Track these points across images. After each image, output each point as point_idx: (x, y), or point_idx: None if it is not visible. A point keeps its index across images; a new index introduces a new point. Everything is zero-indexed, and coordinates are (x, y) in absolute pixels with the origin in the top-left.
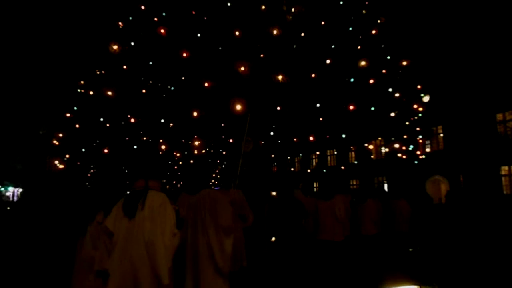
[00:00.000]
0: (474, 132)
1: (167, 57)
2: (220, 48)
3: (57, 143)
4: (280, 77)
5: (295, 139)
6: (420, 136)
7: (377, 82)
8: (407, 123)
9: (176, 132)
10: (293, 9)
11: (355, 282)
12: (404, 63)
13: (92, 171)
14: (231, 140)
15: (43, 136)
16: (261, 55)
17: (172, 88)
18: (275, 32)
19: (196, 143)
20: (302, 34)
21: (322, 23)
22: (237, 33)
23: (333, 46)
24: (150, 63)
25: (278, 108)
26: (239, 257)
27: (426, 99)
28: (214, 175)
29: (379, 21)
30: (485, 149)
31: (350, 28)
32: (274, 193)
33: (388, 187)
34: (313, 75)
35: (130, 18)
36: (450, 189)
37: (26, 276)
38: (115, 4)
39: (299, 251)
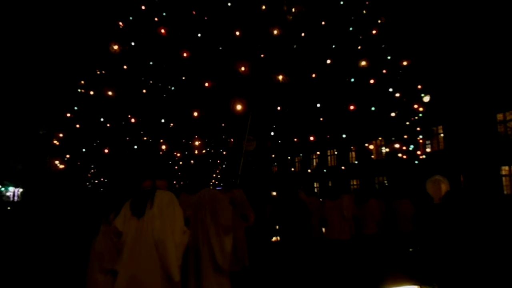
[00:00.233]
0: (474, 132)
1: (167, 57)
2: (220, 48)
3: (57, 143)
4: (280, 77)
5: (295, 139)
6: (420, 136)
7: (377, 82)
8: (407, 123)
9: (176, 132)
10: (293, 9)
11: (356, 282)
12: (404, 63)
13: (92, 171)
14: (231, 140)
15: (43, 136)
16: (262, 55)
17: (172, 88)
18: (275, 32)
19: (196, 143)
20: (303, 34)
21: (323, 23)
22: (237, 33)
23: (333, 46)
24: (151, 63)
25: (279, 108)
26: (241, 256)
27: (426, 99)
28: (214, 175)
29: (379, 21)
30: (485, 149)
31: (351, 28)
32: (274, 193)
33: (391, 187)
34: (313, 75)
35: (130, 18)
36: (449, 189)
37: (40, 274)
38: (115, 4)
39: (303, 250)
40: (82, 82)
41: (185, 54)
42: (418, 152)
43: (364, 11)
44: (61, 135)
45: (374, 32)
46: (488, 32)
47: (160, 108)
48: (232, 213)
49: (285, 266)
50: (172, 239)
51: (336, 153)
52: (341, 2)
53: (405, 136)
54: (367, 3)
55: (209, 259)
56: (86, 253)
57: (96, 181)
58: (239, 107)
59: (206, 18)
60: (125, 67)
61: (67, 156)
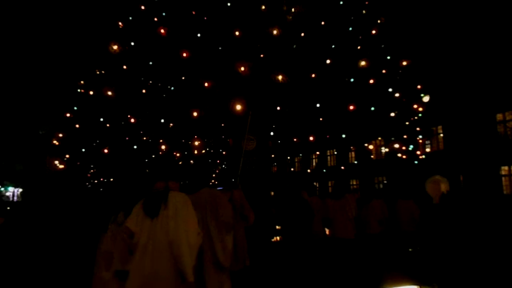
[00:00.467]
0: (474, 132)
1: (167, 57)
2: (220, 48)
3: (57, 143)
4: (280, 77)
5: (295, 139)
6: (420, 136)
7: (377, 82)
8: (407, 123)
9: (176, 132)
10: (293, 9)
11: (356, 282)
12: (404, 63)
13: (92, 171)
14: (231, 140)
15: (43, 136)
16: (261, 55)
17: (172, 88)
18: (275, 32)
19: (196, 143)
20: (302, 34)
21: (322, 23)
22: (237, 33)
23: (333, 46)
24: (150, 63)
25: (278, 108)
26: (242, 256)
27: (426, 99)
28: (214, 175)
29: (379, 21)
30: (485, 149)
31: (350, 28)
32: (276, 193)
33: (394, 187)
34: (313, 75)
35: (130, 18)
36: (449, 189)
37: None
38: (115, 4)
39: (305, 250)
40: (82, 82)
41: (184, 54)
42: (418, 152)
43: (364, 11)
44: (61, 135)
45: (373, 32)
46: (488, 32)
47: (160, 108)
48: (233, 212)
49: (286, 266)
50: (187, 240)
51: (335, 153)
52: (341, 2)
53: (405, 136)
54: (367, 3)
55: (211, 257)
56: (90, 252)
57: (96, 181)
58: (238, 107)
59: (206, 18)
60: (124, 67)
61: (67, 156)
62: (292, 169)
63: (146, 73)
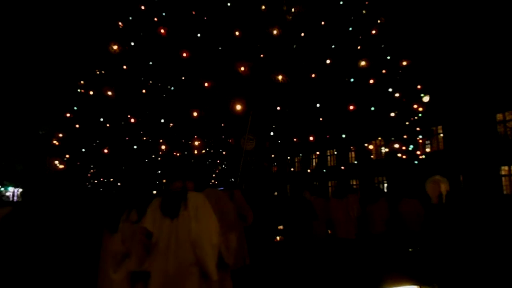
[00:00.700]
0: (474, 132)
1: (167, 57)
2: (220, 48)
3: (57, 143)
4: (280, 77)
5: (295, 139)
6: (420, 136)
7: (377, 82)
8: (407, 123)
9: (176, 132)
10: (293, 9)
11: (356, 282)
12: (404, 63)
13: (92, 171)
14: (231, 140)
15: (43, 136)
16: (261, 55)
17: (172, 88)
18: (275, 32)
19: (196, 143)
20: (302, 34)
21: (322, 23)
22: (237, 33)
23: (333, 46)
24: (150, 63)
25: (278, 108)
26: (242, 255)
27: (426, 99)
28: (214, 175)
29: (379, 21)
30: (485, 149)
31: (350, 28)
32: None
33: (398, 187)
34: (313, 75)
35: (130, 18)
36: (449, 189)
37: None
38: (115, 4)
39: (305, 249)
40: (82, 82)
41: (184, 54)
42: (418, 152)
43: (364, 11)
44: (61, 135)
45: (373, 32)
46: (488, 32)
47: (160, 108)
48: (235, 212)
49: (286, 265)
50: (209, 240)
51: (335, 153)
52: (341, 2)
53: (405, 136)
54: (366, 3)
55: None
56: (91, 252)
57: (96, 181)
58: (238, 107)
59: (205, 18)
60: (124, 67)
61: (67, 156)
62: (292, 169)
63: (146, 73)
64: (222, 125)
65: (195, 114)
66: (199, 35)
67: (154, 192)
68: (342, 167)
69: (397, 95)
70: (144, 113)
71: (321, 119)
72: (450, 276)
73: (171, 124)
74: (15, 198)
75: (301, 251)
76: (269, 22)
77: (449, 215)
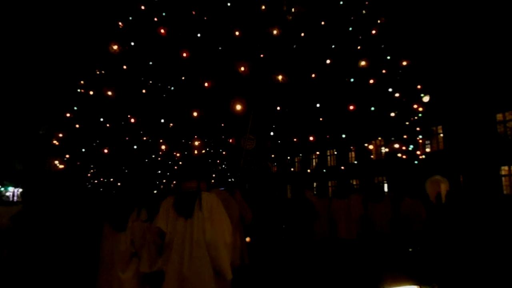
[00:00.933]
0: (474, 132)
1: (167, 57)
2: (220, 48)
3: (57, 143)
4: (280, 77)
5: (295, 139)
6: (420, 136)
7: (377, 82)
8: (407, 123)
9: (176, 132)
10: (293, 9)
11: (356, 282)
12: (404, 63)
13: (92, 171)
14: (231, 140)
15: (43, 136)
16: (261, 55)
17: (172, 88)
18: (275, 32)
19: (196, 143)
20: (302, 34)
21: (322, 23)
22: (237, 33)
23: (333, 46)
24: (150, 63)
25: (278, 108)
26: (241, 254)
27: (426, 99)
28: (213, 175)
29: (379, 21)
30: (485, 149)
31: (350, 28)
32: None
33: (400, 187)
34: (313, 75)
35: (130, 18)
36: (449, 189)
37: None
38: (115, 4)
39: (307, 249)
40: (82, 82)
41: (184, 54)
42: (418, 152)
43: (364, 11)
44: (61, 135)
45: (373, 32)
46: (488, 32)
47: (160, 108)
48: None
49: (286, 264)
50: (223, 240)
51: (335, 153)
52: (341, 2)
53: (405, 136)
54: (366, 3)
55: None
56: (91, 252)
57: (96, 181)
58: (238, 107)
59: (205, 18)
60: (124, 67)
61: (67, 156)
62: (292, 169)
63: (146, 73)
64: (222, 125)
65: (195, 114)
66: (199, 35)
67: (154, 192)
68: (342, 167)
69: (397, 95)
70: (144, 113)
71: (321, 119)
72: (450, 276)
73: (171, 124)
74: (15, 198)
75: (302, 250)
76: (269, 22)
77: (449, 215)
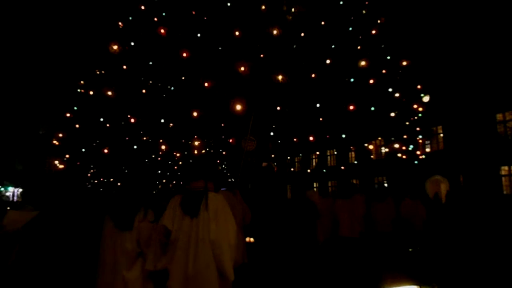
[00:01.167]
0: (474, 132)
1: (167, 57)
2: (220, 48)
3: (57, 143)
4: (280, 77)
5: (295, 139)
6: (420, 136)
7: (377, 82)
8: (407, 123)
9: (176, 132)
10: (293, 9)
11: (356, 282)
12: (404, 63)
13: (92, 171)
14: (231, 140)
15: (43, 136)
16: (261, 55)
17: (172, 88)
18: (275, 32)
19: (196, 143)
20: (302, 34)
21: (322, 23)
22: (237, 33)
23: (333, 46)
24: (150, 63)
25: (278, 108)
26: (240, 254)
27: (426, 99)
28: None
29: (379, 21)
30: (485, 149)
31: (350, 28)
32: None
33: (401, 187)
34: (313, 75)
35: (130, 18)
36: (449, 189)
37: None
38: (115, 4)
39: (307, 249)
40: (82, 82)
41: (184, 54)
42: (418, 152)
43: (364, 11)
44: (61, 135)
45: (373, 32)
46: (488, 32)
47: (160, 108)
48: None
49: (288, 264)
50: (227, 241)
51: (335, 153)
52: (341, 2)
53: (405, 136)
54: (366, 3)
55: None
56: (92, 252)
57: (96, 181)
58: (238, 107)
59: (205, 18)
60: (124, 67)
61: (67, 156)
62: (292, 169)
63: (146, 73)
64: (222, 125)
65: (195, 114)
66: (199, 35)
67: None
68: (342, 167)
69: (397, 95)
70: (144, 113)
71: (321, 119)
72: (450, 276)
73: (171, 124)
74: (15, 198)
75: (304, 250)
76: (269, 22)
77: (449, 215)
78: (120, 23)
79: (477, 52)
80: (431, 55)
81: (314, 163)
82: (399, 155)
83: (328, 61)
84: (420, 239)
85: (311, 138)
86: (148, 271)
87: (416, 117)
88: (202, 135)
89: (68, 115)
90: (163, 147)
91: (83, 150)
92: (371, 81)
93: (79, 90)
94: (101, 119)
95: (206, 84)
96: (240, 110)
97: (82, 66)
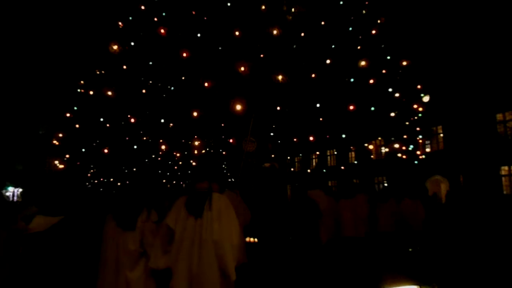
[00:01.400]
0: (474, 132)
1: (167, 57)
2: (220, 48)
3: (57, 143)
4: (280, 77)
5: (295, 139)
6: (420, 136)
7: (377, 82)
8: (407, 123)
9: (176, 132)
10: (293, 9)
11: (356, 281)
12: (404, 63)
13: (92, 171)
14: (231, 140)
15: (43, 136)
16: (261, 55)
17: (172, 88)
18: (275, 32)
19: (196, 143)
20: (302, 34)
21: (322, 23)
22: (237, 33)
23: (333, 46)
24: (150, 63)
25: (278, 108)
26: (241, 253)
27: (426, 99)
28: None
29: (379, 21)
30: (485, 149)
31: (350, 28)
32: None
33: (401, 187)
34: (313, 75)
35: (130, 18)
36: (449, 189)
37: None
38: (115, 4)
39: (309, 248)
40: (82, 82)
41: (184, 54)
42: (418, 152)
43: (364, 11)
44: (61, 135)
45: (373, 32)
46: (488, 32)
47: (160, 108)
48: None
49: (289, 264)
50: (230, 241)
51: (335, 153)
52: (341, 2)
53: (405, 136)
54: (366, 3)
55: None
56: (93, 252)
57: (96, 181)
58: (238, 107)
59: (205, 18)
60: (124, 67)
61: (67, 156)
62: (292, 169)
63: (146, 73)
64: (222, 125)
65: (195, 114)
66: (199, 35)
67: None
68: (342, 167)
69: (397, 95)
70: (144, 113)
71: (321, 119)
72: (450, 276)
73: (171, 124)
74: (15, 198)
75: (306, 250)
76: (269, 22)
77: (449, 215)
78: (120, 23)
79: (477, 52)
80: (431, 55)
81: (314, 163)
82: (399, 155)
83: (328, 61)
84: (420, 239)
85: (311, 138)
86: (150, 271)
87: (416, 117)
88: (202, 135)
89: (68, 115)
90: (163, 147)
91: (83, 150)
92: (371, 81)
93: (79, 90)
94: (101, 119)
95: (206, 84)
96: (240, 110)
97: (82, 66)
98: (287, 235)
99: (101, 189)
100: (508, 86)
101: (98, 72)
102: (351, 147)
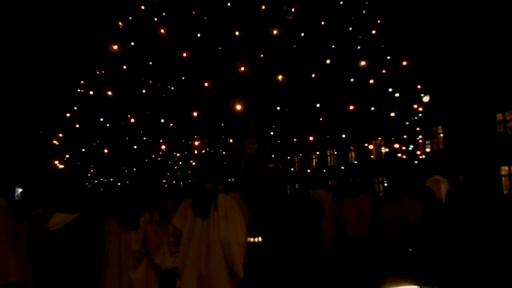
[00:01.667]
0: (474, 132)
1: (167, 57)
2: (220, 48)
3: (57, 143)
4: (280, 77)
5: (295, 139)
6: (420, 136)
7: (377, 82)
8: (407, 123)
9: (176, 132)
10: (293, 9)
11: (356, 281)
12: (404, 63)
13: (92, 171)
14: (231, 140)
15: (43, 136)
16: (261, 55)
17: (172, 88)
18: (275, 32)
19: (196, 143)
20: (302, 34)
21: (322, 23)
22: (237, 33)
23: (333, 46)
24: (150, 63)
25: (278, 108)
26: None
27: (426, 99)
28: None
29: (379, 21)
30: (485, 149)
31: (350, 28)
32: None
33: (400, 187)
34: (313, 75)
35: (130, 18)
36: (449, 189)
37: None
38: (115, 4)
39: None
40: (82, 82)
41: (184, 54)
42: (418, 152)
43: (364, 11)
44: (61, 135)
45: (373, 32)
46: (488, 32)
47: (160, 108)
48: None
49: (291, 263)
50: (237, 240)
51: (335, 153)
52: (341, 2)
53: (405, 136)
54: (367, 3)
55: None
56: (94, 252)
57: (96, 181)
58: (238, 107)
59: (205, 18)
60: (124, 67)
61: (67, 156)
62: (292, 169)
63: (146, 73)
64: (222, 125)
65: (195, 114)
66: (199, 35)
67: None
68: (342, 167)
69: (397, 95)
70: (144, 113)
71: (321, 119)
72: (450, 276)
73: (171, 124)
74: (15, 198)
75: (309, 250)
76: (269, 22)
77: (449, 215)
78: (120, 23)
79: (477, 52)
80: (431, 55)
81: (314, 163)
82: (399, 155)
83: (328, 61)
84: (420, 239)
85: (311, 138)
86: (153, 271)
87: (416, 117)
88: (202, 135)
89: (68, 115)
90: (163, 147)
91: (83, 150)
92: (371, 81)
93: (79, 90)
94: (101, 119)
95: (206, 84)
96: (240, 110)
97: (82, 66)
98: (291, 235)
99: (101, 189)
100: (508, 86)
101: (98, 72)
102: (351, 147)
